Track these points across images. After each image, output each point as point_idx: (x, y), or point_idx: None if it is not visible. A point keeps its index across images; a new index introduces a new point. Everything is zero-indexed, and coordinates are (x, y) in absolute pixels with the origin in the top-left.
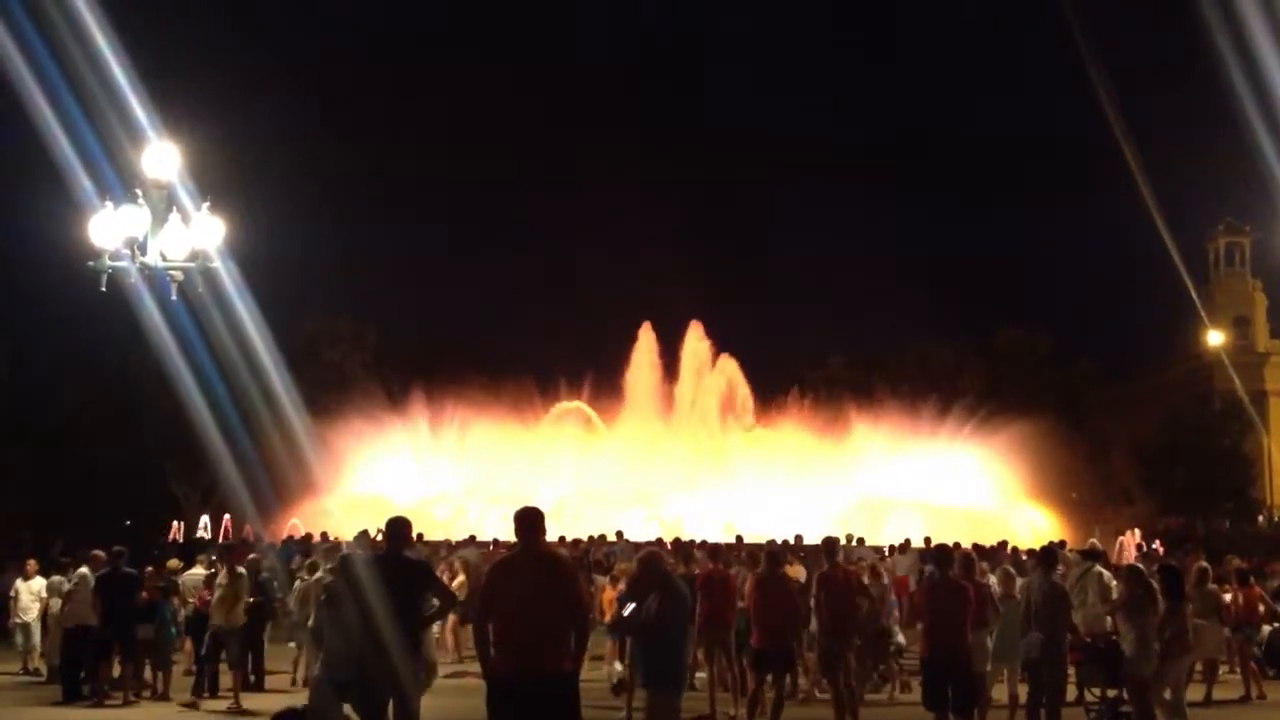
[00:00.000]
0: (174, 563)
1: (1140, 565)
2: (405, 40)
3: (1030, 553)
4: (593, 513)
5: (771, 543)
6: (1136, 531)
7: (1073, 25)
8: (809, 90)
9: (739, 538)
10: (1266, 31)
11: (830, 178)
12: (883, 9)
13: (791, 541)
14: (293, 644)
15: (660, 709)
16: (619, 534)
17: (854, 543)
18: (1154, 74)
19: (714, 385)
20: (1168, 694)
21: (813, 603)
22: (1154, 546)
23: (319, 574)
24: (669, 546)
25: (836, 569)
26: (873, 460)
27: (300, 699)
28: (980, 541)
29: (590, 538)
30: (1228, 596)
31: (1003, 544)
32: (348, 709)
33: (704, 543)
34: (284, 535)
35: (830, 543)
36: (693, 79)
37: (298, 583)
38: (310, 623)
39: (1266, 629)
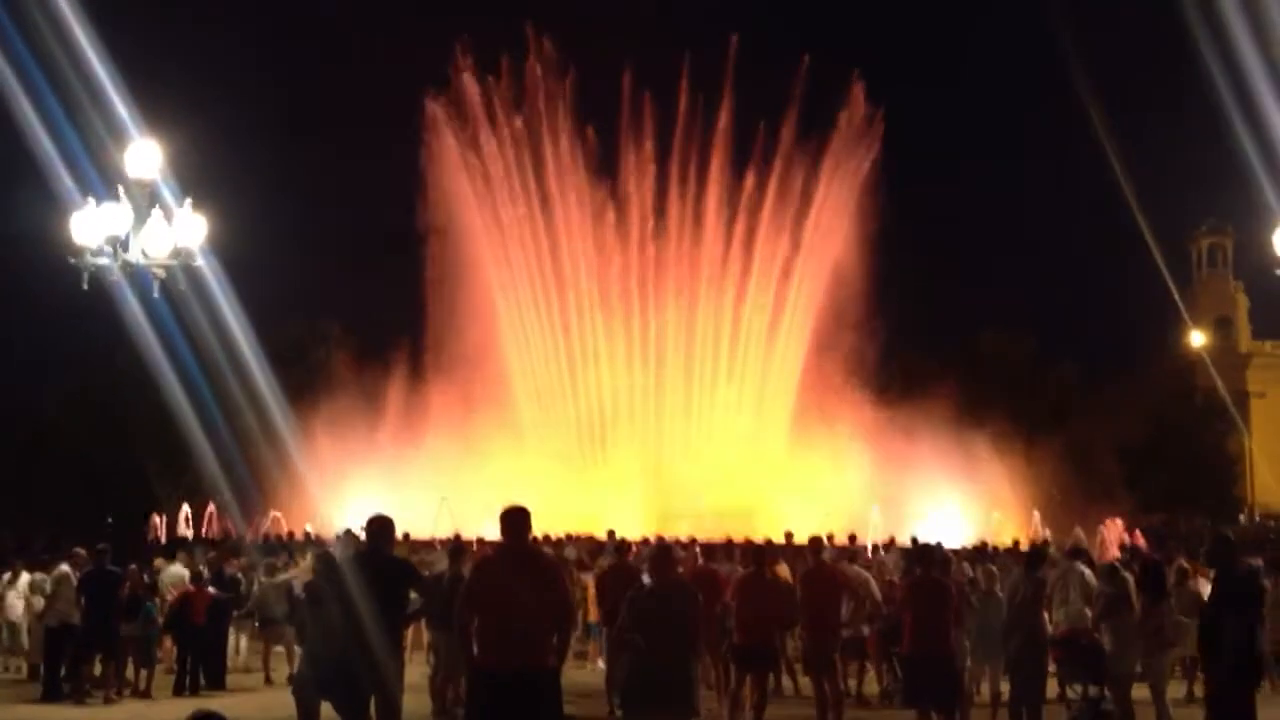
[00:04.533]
0: (160, 561)
1: (1117, 565)
2: (393, 40)
3: (1008, 551)
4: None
5: (743, 541)
6: (1119, 520)
7: (1057, 28)
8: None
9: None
10: (1248, 34)
11: None
12: (862, 14)
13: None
14: (279, 648)
15: None
16: (610, 533)
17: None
18: (1137, 76)
19: None
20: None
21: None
22: (1135, 540)
23: (281, 576)
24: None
25: (821, 567)
26: (854, 463)
27: (266, 698)
28: (962, 542)
29: (569, 535)
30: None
31: (983, 544)
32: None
33: (692, 540)
34: (263, 532)
35: (815, 541)
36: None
37: (256, 585)
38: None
39: None
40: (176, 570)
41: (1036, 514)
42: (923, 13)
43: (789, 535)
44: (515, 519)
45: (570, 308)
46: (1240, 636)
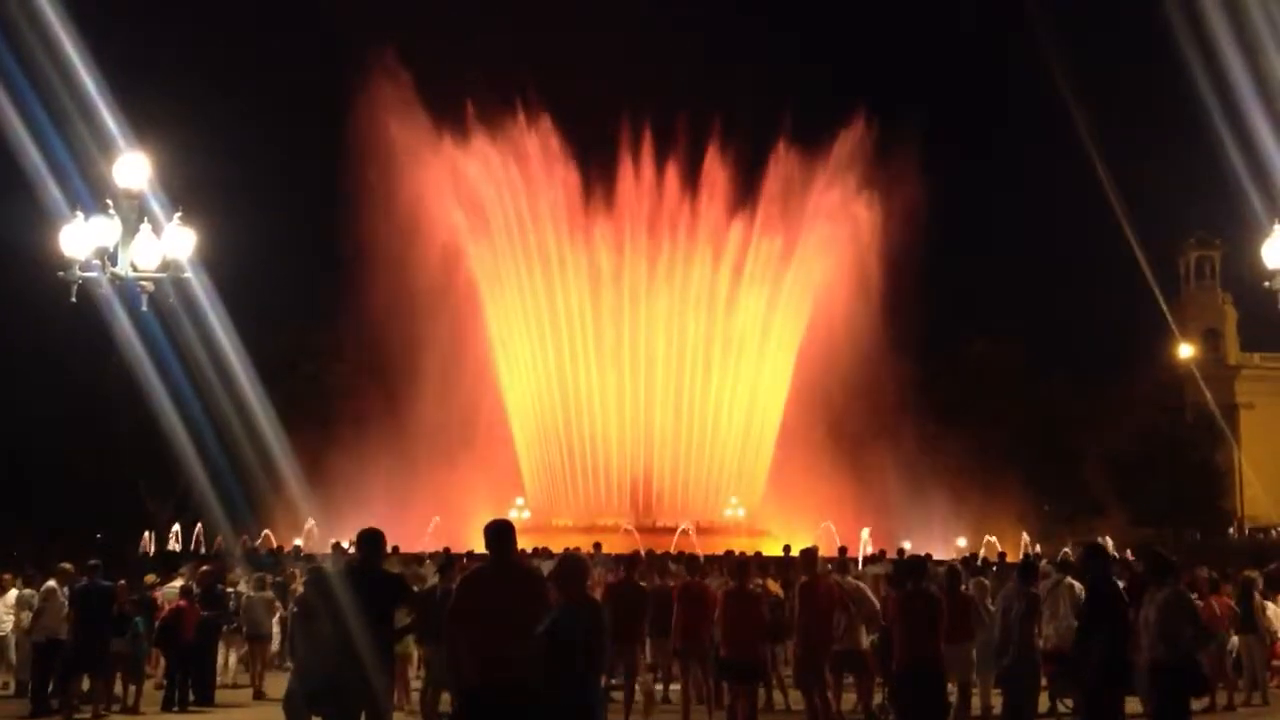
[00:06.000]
0: (150, 577)
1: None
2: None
3: (987, 562)
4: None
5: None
6: (1108, 540)
7: (1044, 42)
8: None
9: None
10: (1235, 50)
11: None
12: (846, 26)
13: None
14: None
15: None
16: (597, 545)
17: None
18: (1125, 90)
19: None
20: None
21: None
22: (1125, 555)
23: (267, 590)
24: (644, 557)
25: (816, 581)
26: (847, 478)
27: (255, 713)
28: (954, 554)
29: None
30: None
31: (973, 555)
32: None
33: (681, 554)
34: (251, 546)
35: (810, 554)
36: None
37: (243, 598)
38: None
39: (1235, 639)
40: (176, 586)
41: (1025, 536)
42: (915, 27)
43: (787, 549)
44: (499, 534)
45: (562, 328)
46: (1108, 648)
